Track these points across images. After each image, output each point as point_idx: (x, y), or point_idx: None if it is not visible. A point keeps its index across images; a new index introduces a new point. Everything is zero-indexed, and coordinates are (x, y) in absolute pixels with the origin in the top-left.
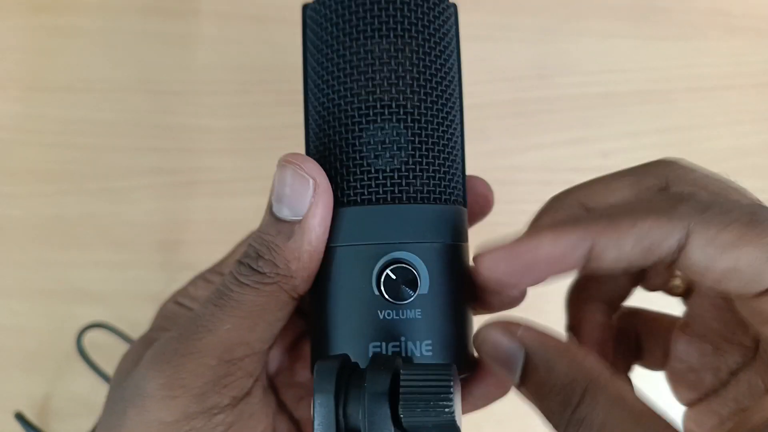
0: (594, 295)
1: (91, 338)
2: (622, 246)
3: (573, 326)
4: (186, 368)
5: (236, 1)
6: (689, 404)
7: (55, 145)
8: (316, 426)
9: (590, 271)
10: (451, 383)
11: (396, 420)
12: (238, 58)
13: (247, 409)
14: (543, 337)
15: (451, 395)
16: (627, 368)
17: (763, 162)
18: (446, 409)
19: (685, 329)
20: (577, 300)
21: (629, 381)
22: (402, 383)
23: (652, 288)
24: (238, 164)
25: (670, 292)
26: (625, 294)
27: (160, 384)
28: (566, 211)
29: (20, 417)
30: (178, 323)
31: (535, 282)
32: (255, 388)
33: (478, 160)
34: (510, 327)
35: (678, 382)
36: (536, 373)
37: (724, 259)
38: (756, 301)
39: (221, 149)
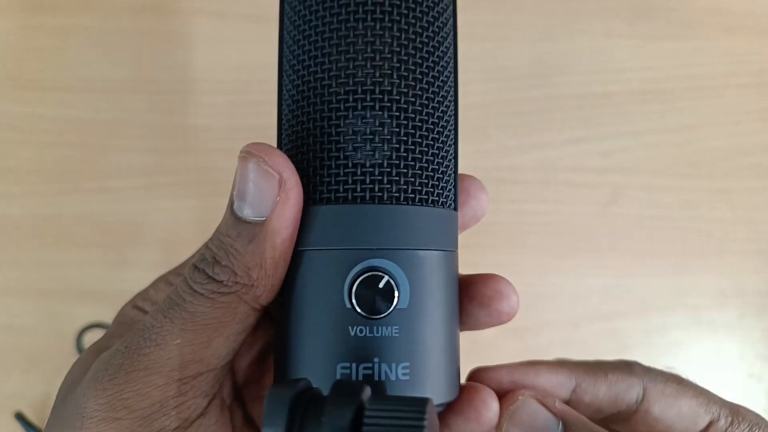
0: None
1: (91, 338)
2: (597, 390)
3: None
4: (130, 387)
5: (235, 0)
6: None
7: (53, 145)
8: None
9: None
10: (425, 423)
11: None
12: (237, 57)
13: None
14: (574, 410)
15: None
16: None
17: (763, 161)
18: None
19: None
20: None
21: None
22: (366, 420)
23: None
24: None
25: None
26: None
27: (101, 404)
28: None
29: (20, 417)
30: (128, 333)
31: None
32: (211, 407)
33: (478, 159)
34: (546, 399)
35: None
36: None
37: (673, 408)
38: None
39: (220, 149)
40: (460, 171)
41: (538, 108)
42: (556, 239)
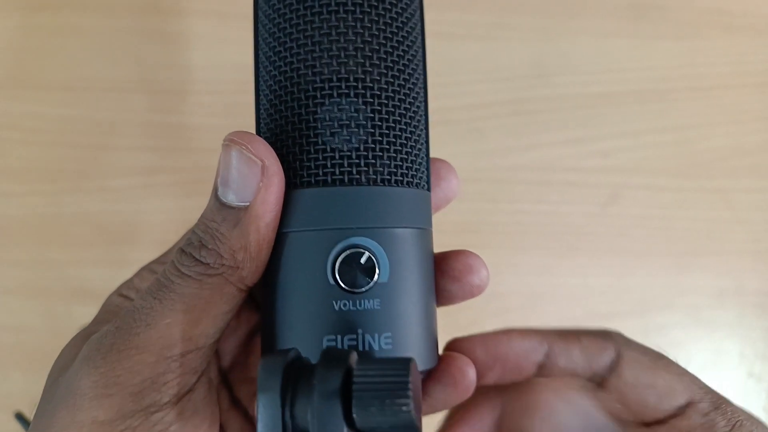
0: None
1: None
2: (570, 354)
3: None
4: (122, 365)
5: (235, 0)
6: None
7: (53, 144)
8: (259, 428)
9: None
10: (409, 379)
11: (349, 420)
12: (236, 57)
13: (189, 407)
14: None
15: (409, 392)
16: None
17: (763, 161)
18: (404, 408)
19: None
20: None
21: None
22: (355, 380)
23: None
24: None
25: None
26: None
27: (93, 381)
28: None
29: (20, 417)
30: (117, 316)
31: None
32: (199, 384)
33: (477, 159)
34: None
35: None
36: None
37: (647, 378)
38: (670, 423)
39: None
40: (457, 168)
41: (537, 108)
42: (556, 239)
